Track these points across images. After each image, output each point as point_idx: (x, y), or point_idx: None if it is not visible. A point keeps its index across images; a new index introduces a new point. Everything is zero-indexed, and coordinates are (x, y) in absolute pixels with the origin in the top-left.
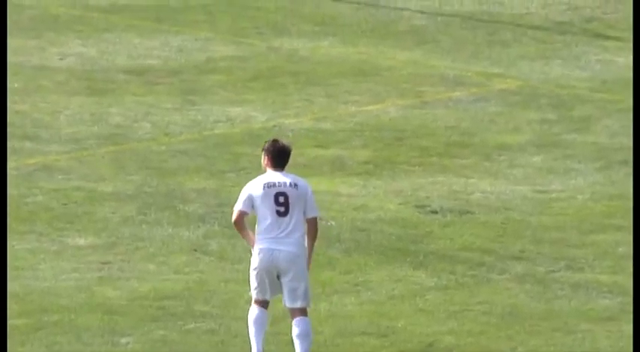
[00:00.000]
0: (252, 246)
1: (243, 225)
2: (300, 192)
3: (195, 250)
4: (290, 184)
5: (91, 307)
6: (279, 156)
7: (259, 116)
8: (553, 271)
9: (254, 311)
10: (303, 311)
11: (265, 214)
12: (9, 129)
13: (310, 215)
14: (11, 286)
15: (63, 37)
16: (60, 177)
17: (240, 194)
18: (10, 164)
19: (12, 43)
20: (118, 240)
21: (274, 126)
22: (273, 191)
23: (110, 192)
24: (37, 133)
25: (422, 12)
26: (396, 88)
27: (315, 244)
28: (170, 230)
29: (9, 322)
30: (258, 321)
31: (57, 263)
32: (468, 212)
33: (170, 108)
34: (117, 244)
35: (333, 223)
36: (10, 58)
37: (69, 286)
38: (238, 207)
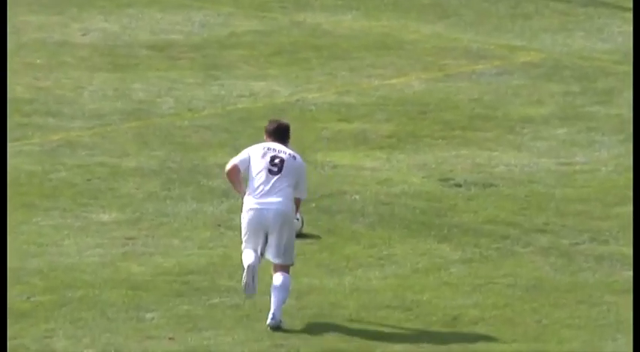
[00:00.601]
0: (241, 194)
1: (235, 176)
2: (297, 164)
3: (219, 225)
4: (289, 154)
5: (115, 283)
6: (276, 132)
7: (282, 90)
8: (577, 243)
9: (248, 253)
10: (284, 268)
11: (258, 171)
12: (32, 106)
13: (300, 195)
14: (35, 262)
15: (85, 12)
16: (83, 153)
17: (241, 152)
18: (34, 140)
19: (34, 19)
20: (142, 215)
21: (297, 100)
22: (271, 153)
23: (134, 168)
24: (60, 109)
25: None
26: (419, 62)
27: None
28: (194, 205)
29: (33, 298)
30: (253, 258)
31: (81, 239)
32: (491, 185)
33: (193, 83)
34: (141, 220)
35: (357, 197)
36: (33, 35)
37: (93, 262)
38: (234, 161)
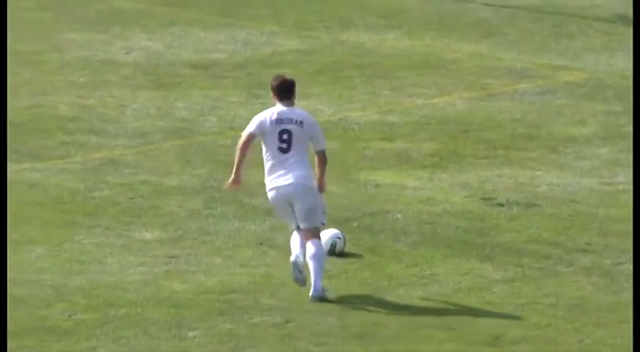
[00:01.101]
0: (237, 165)
1: (246, 150)
2: (306, 129)
3: (262, 243)
4: (296, 121)
5: (157, 301)
6: (282, 88)
7: (325, 109)
8: (619, 263)
9: (295, 240)
10: (315, 233)
11: (269, 151)
12: (75, 124)
13: (318, 148)
14: (77, 280)
15: (129, 31)
16: (126, 171)
17: (251, 122)
18: (77, 158)
19: (78, 37)
20: (185, 233)
21: (340, 119)
22: (279, 128)
23: (176, 186)
24: (103, 127)
25: (488, 4)
26: (461, 81)
27: (325, 171)
28: (236, 223)
29: (75, 317)
30: (299, 249)
31: (123, 257)
32: (534, 204)
33: (236, 101)
34: (183, 238)
35: (399, 216)
36: (76, 53)
37: (135, 280)
38: (249, 129)
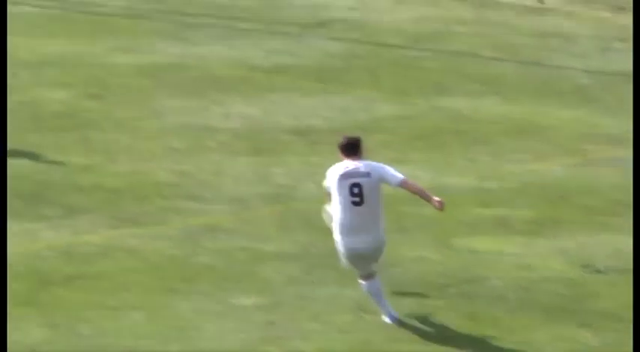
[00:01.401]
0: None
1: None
2: (373, 179)
3: (360, 309)
4: (363, 174)
5: None
6: (348, 147)
7: (423, 175)
8: None
9: (364, 284)
10: (374, 275)
11: (342, 204)
12: (173, 190)
13: (397, 181)
14: (176, 346)
15: (226, 97)
16: (224, 237)
17: (326, 180)
18: (175, 224)
19: (175, 103)
20: (283, 299)
21: (438, 185)
22: (348, 182)
23: (274, 252)
24: (201, 193)
25: (586, 71)
26: (559, 147)
27: (422, 190)
28: (334, 289)
29: None
30: (373, 290)
31: (221, 323)
32: (632, 271)
33: None
34: (281, 304)
35: (497, 282)
36: (174, 119)
37: (233, 346)
38: (327, 190)
